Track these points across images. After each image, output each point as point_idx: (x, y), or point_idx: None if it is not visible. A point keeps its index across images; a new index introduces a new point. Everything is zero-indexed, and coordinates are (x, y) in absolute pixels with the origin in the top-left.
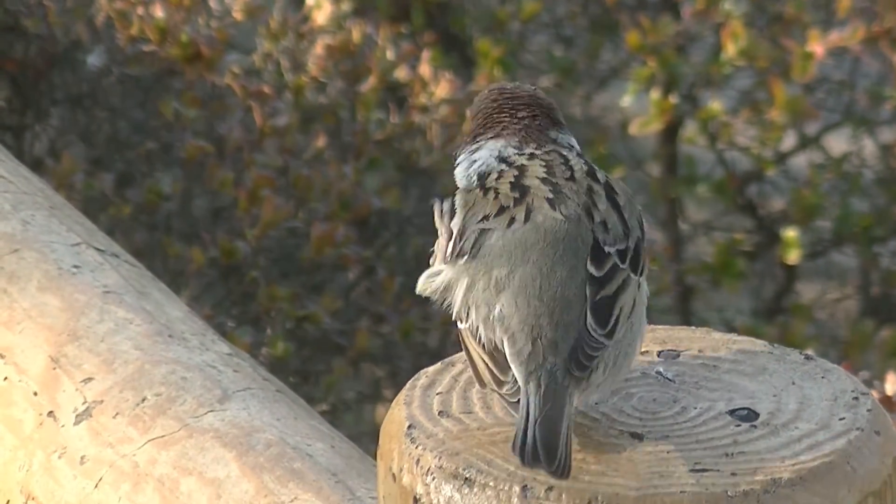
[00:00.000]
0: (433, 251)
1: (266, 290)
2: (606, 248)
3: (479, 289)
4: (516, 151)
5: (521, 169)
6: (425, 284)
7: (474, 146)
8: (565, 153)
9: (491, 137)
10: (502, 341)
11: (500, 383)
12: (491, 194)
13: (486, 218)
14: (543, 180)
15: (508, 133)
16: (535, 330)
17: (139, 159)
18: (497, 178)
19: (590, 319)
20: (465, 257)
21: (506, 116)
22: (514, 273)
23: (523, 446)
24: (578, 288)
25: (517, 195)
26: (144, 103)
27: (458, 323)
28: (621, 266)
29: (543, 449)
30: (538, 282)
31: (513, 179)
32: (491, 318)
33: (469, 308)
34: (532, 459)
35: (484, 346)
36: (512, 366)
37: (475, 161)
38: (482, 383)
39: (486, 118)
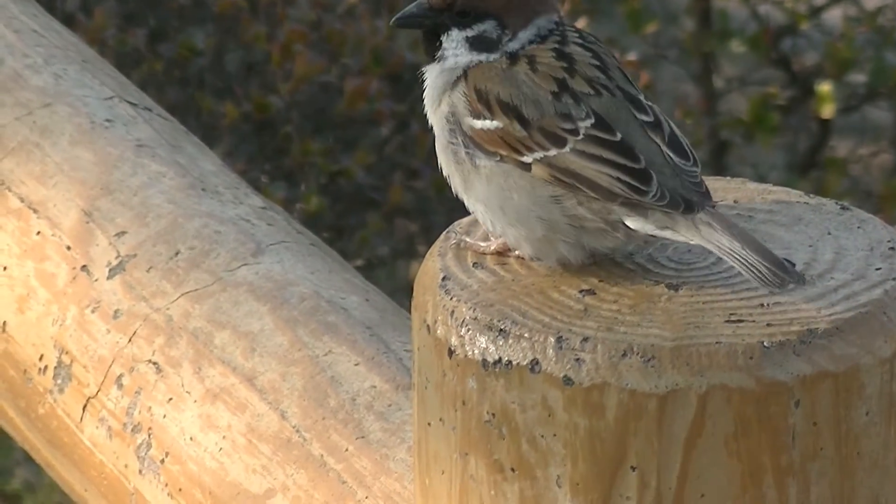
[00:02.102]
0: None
1: (299, 145)
2: (641, 97)
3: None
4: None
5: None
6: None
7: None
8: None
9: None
10: (639, 159)
11: (642, 192)
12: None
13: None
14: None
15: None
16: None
17: (171, 14)
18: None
19: (677, 158)
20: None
21: None
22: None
23: (768, 267)
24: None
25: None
26: None
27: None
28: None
29: (776, 265)
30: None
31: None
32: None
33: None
34: (785, 273)
35: (612, 161)
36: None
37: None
38: (611, 196)
39: None
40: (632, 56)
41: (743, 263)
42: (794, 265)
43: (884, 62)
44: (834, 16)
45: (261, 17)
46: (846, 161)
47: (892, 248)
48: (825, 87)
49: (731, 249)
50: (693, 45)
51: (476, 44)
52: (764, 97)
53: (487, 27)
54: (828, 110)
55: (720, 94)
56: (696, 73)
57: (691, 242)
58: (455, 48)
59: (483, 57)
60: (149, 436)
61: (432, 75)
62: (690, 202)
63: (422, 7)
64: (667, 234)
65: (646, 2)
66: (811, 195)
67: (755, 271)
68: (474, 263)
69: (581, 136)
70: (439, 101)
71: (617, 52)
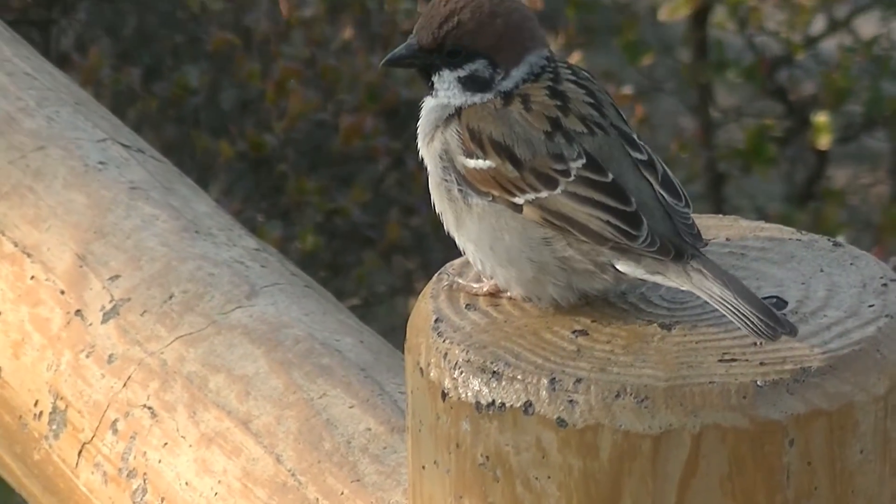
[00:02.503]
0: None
1: (295, 183)
2: (634, 135)
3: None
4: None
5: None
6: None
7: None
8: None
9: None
10: (631, 201)
11: (632, 237)
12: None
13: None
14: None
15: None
16: (648, 202)
17: (166, 53)
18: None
19: (670, 198)
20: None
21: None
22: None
23: (760, 318)
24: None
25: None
26: None
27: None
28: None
29: (768, 315)
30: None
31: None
32: (608, 178)
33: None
34: (777, 324)
35: (602, 204)
36: (647, 221)
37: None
38: (601, 240)
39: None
40: (627, 90)
41: (735, 313)
42: (786, 303)
43: (880, 91)
44: (829, 46)
45: (255, 54)
46: (844, 192)
47: (884, 285)
48: (822, 118)
49: (722, 298)
50: (689, 76)
51: (468, 84)
52: (760, 128)
53: (479, 67)
54: (824, 141)
55: (717, 125)
56: (693, 105)
57: (682, 289)
58: (447, 89)
59: (477, 98)
60: (144, 481)
61: (427, 107)
62: (680, 249)
63: (411, 48)
64: (657, 278)
65: (642, 33)
66: (803, 232)
67: (747, 322)
68: (467, 305)
69: (572, 178)
70: (432, 136)
71: (613, 84)
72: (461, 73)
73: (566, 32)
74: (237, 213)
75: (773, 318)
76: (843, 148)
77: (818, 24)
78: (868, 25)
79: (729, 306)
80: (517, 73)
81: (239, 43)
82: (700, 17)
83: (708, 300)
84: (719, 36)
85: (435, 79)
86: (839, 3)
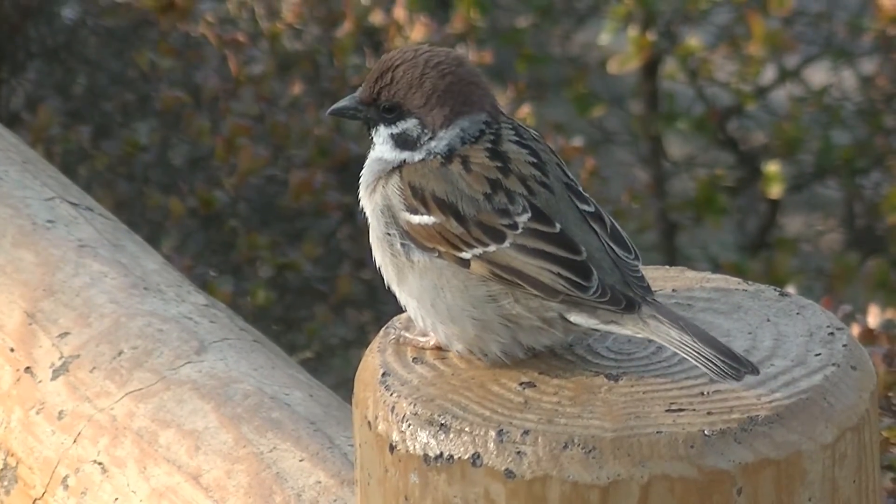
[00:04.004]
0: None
1: (246, 239)
2: (580, 188)
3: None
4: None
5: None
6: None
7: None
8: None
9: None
10: (580, 251)
11: (583, 288)
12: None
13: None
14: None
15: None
16: (596, 253)
17: (116, 111)
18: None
19: (618, 250)
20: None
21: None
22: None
23: (721, 360)
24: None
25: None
26: (120, 54)
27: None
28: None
29: (729, 357)
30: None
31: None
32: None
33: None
34: (739, 364)
35: (552, 255)
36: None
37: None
38: (552, 293)
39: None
40: (577, 142)
41: (696, 357)
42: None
43: (831, 140)
44: (780, 95)
45: (204, 111)
46: (796, 240)
47: (831, 334)
48: (773, 167)
49: (681, 342)
50: (641, 127)
51: (399, 142)
52: (712, 179)
53: (409, 126)
54: (776, 190)
55: (669, 175)
56: (645, 156)
57: (638, 336)
58: (382, 143)
59: (406, 155)
60: None
61: (369, 159)
62: (631, 300)
63: (353, 100)
64: (612, 328)
65: (592, 85)
66: (750, 282)
67: (711, 365)
68: (414, 358)
69: (520, 230)
70: (374, 188)
71: (563, 137)
72: (394, 129)
73: (516, 86)
74: (188, 269)
75: (735, 358)
76: (794, 197)
77: (768, 74)
78: (818, 75)
79: (690, 350)
80: (445, 135)
81: (188, 100)
82: (650, 69)
83: (667, 345)
84: (670, 87)
85: (373, 133)
86: (789, 53)
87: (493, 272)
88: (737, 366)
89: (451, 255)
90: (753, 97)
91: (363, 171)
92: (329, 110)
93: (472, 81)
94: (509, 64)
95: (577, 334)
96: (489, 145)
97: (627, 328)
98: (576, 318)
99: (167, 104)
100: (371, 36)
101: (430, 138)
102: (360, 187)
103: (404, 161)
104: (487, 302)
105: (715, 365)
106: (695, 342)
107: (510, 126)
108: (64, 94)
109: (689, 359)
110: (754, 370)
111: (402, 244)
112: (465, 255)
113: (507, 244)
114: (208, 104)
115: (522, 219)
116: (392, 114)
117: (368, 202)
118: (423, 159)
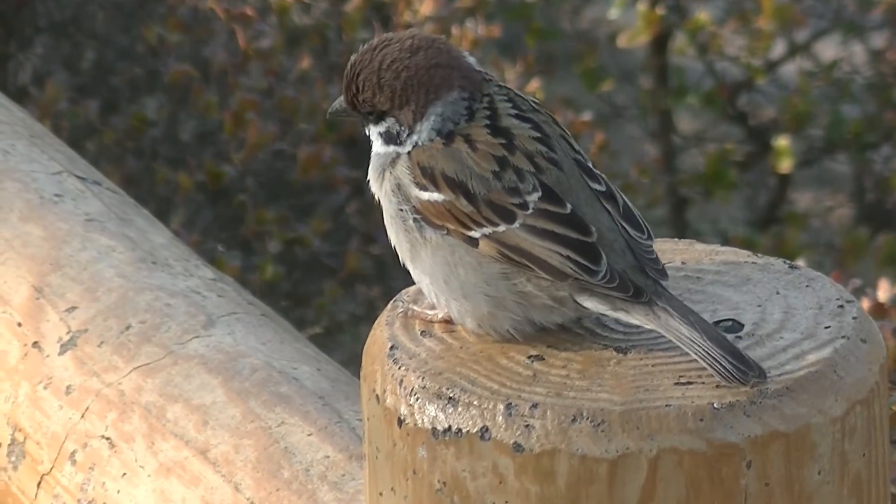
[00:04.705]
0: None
1: (254, 214)
2: (590, 164)
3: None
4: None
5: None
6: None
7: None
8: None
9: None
10: (591, 231)
11: (591, 272)
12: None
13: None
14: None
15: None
16: (608, 234)
17: (124, 85)
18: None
19: (631, 230)
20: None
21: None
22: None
23: (729, 361)
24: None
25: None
26: (128, 29)
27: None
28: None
29: (738, 358)
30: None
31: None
32: (567, 210)
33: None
34: (746, 367)
35: (562, 237)
36: (606, 255)
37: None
38: (561, 276)
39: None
40: (586, 116)
41: (705, 357)
42: (742, 326)
43: (840, 115)
44: (790, 70)
45: (212, 86)
46: (806, 215)
47: (840, 307)
48: (783, 142)
49: (691, 339)
50: (650, 102)
51: (386, 138)
52: (721, 153)
53: (389, 124)
54: (786, 165)
55: (678, 150)
56: (654, 131)
57: (646, 327)
58: (375, 139)
59: (396, 149)
60: None
61: (372, 152)
62: (639, 287)
63: (342, 103)
64: (620, 315)
65: (601, 60)
66: (759, 255)
67: (718, 366)
68: (422, 332)
69: (531, 210)
70: (382, 177)
71: (572, 112)
72: (380, 128)
73: (525, 61)
74: (197, 244)
75: (743, 360)
76: (804, 172)
77: (778, 49)
78: (828, 49)
79: (699, 348)
80: (423, 127)
81: (197, 75)
82: (660, 44)
83: (675, 341)
84: (679, 62)
85: (367, 131)
86: (799, 27)
87: (502, 252)
88: (745, 369)
89: (460, 233)
90: (763, 72)
91: (370, 164)
92: (327, 114)
93: (430, 66)
94: (518, 38)
95: (588, 316)
96: (487, 122)
97: (636, 318)
98: (587, 301)
99: (175, 79)
100: (380, 10)
101: (409, 133)
102: (370, 180)
103: (397, 153)
104: (501, 279)
105: (723, 367)
106: (704, 340)
107: (505, 97)
108: (72, 69)
109: (698, 359)
110: (762, 374)
111: (415, 219)
112: (474, 233)
113: (516, 224)
114: (216, 79)
115: (533, 198)
116: (372, 115)
117: (379, 189)
118: (422, 144)
